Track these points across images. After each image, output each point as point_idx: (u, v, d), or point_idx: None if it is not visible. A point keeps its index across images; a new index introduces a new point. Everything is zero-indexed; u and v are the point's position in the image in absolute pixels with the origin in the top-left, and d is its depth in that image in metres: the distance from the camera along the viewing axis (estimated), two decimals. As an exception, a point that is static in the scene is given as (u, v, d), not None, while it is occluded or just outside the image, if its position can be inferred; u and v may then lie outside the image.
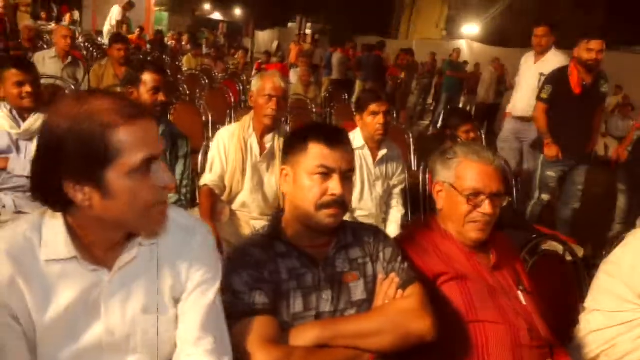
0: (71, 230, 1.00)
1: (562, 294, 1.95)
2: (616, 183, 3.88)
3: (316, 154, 1.30)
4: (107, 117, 0.91)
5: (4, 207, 2.26)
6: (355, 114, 2.76)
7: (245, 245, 1.34)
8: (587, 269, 2.04)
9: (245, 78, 7.97)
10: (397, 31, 20.59)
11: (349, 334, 1.23)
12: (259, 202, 2.55)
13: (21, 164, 2.31)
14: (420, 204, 3.43)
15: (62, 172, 0.91)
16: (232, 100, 5.54)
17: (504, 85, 9.60)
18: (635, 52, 12.76)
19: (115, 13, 10.05)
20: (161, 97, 2.46)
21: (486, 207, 1.46)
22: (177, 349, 1.09)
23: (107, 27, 10.04)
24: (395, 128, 4.28)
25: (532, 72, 4.51)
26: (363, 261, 1.37)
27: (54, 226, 0.99)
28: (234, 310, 1.20)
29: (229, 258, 1.31)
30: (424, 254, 1.49)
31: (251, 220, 2.57)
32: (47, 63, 4.49)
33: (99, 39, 10.84)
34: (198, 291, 1.10)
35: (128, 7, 10.21)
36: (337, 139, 1.32)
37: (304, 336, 1.22)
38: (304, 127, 1.41)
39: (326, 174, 1.29)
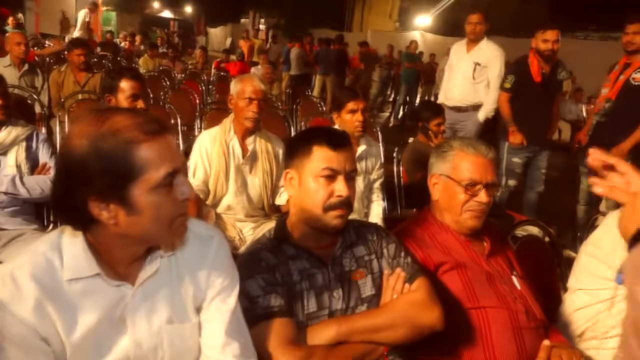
0: (92, 247, 1.00)
1: (542, 275, 2.06)
2: (577, 166, 4.07)
3: (321, 157, 1.33)
4: (130, 134, 0.92)
5: (-15, 225, 2.18)
6: (332, 112, 2.80)
7: (256, 249, 1.37)
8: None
9: (206, 78, 7.87)
10: (350, 23, 20.76)
11: (364, 329, 1.28)
12: (243, 203, 2.57)
13: (-3, 179, 2.23)
14: (395, 195, 3.55)
15: (86, 191, 0.91)
16: (197, 100, 5.48)
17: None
18: (578, 38, 13.39)
19: (82, 16, 9.73)
20: (140, 104, 2.43)
21: (482, 196, 1.54)
22: (203, 355, 1.11)
23: (77, 33, 9.70)
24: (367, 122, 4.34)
25: (466, 61, 4.43)
26: (369, 258, 1.42)
27: (74, 245, 1.00)
28: (252, 315, 1.22)
29: (240, 264, 1.33)
30: (423, 246, 1.55)
31: (237, 222, 2.58)
32: (3, 72, 4.31)
33: (47, 42, 10.43)
34: (219, 298, 1.13)
35: (94, 8, 9.90)
36: (340, 141, 1.36)
37: (322, 335, 1.26)
38: (306, 131, 1.44)
39: (331, 176, 1.33)
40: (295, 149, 1.39)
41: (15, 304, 0.92)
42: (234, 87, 2.51)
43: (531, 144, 3.95)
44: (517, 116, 3.95)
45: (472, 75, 4.38)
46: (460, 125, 4.56)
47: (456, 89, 4.52)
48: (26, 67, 4.47)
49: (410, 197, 3.55)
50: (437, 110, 3.92)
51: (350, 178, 1.36)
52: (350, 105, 2.66)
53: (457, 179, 1.57)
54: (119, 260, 1.02)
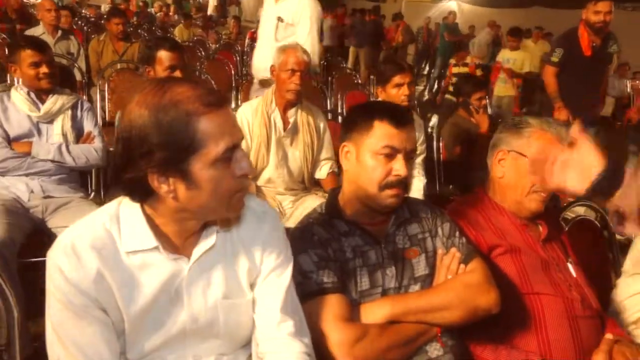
0: (149, 219, 0.99)
1: (592, 259, 1.99)
2: (627, 145, 3.91)
3: (382, 133, 1.28)
4: (191, 105, 0.89)
5: (32, 192, 2.23)
6: (377, 86, 2.72)
7: (308, 224, 1.34)
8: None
9: (240, 48, 7.82)
10: (385, -6, 20.21)
11: (419, 309, 1.25)
12: (284, 177, 2.55)
13: (44, 147, 2.26)
14: (434, 171, 3.47)
15: (146, 164, 0.89)
16: (232, 71, 5.46)
17: (499, 47, 9.53)
18: (626, 9, 12.72)
19: None
20: (178, 74, 2.39)
21: None
22: (257, 332, 1.10)
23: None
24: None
25: (269, 16, 3.51)
26: (422, 236, 1.38)
27: (132, 216, 0.99)
28: (305, 290, 1.21)
29: (293, 238, 1.31)
30: (477, 227, 1.50)
31: (277, 195, 2.57)
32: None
33: (84, 11, 10.52)
34: (273, 274, 1.11)
35: None
36: (403, 119, 1.31)
37: (376, 313, 1.23)
38: (368, 104, 1.39)
39: (391, 154, 1.28)
40: (355, 122, 1.34)
41: (77, 273, 0.92)
42: (277, 57, 2.46)
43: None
44: (564, 91, 3.79)
45: (274, 36, 3.43)
46: None
47: (262, 58, 3.44)
48: (60, 33, 4.48)
49: (448, 174, 3.48)
50: (479, 84, 3.79)
51: (409, 158, 1.31)
52: (397, 79, 2.58)
53: (532, 158, 1.47)
54: (175, 234, 1.01)
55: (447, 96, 6.44)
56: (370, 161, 1.29)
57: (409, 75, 2.60)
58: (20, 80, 2.37)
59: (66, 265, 0.92)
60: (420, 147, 2.86)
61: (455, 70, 6.10)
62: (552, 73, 3.86)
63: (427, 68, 11.66)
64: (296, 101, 2.49)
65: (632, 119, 3.75)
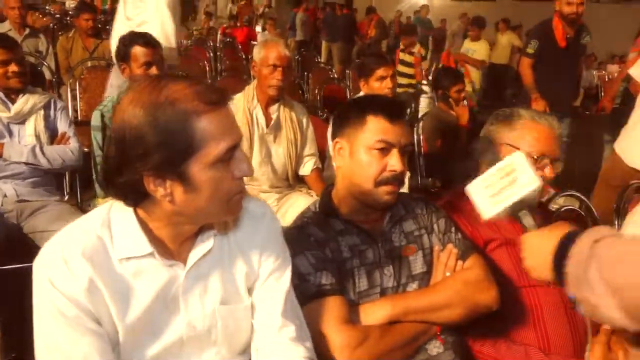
0: (143, 224, 0.94)
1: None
2: (601, 134, 3.99)
3: (377, 128, 1.25)
4: (190, 104, 0.84)
5: (5, 196, 2.12)
6: (359, 78, 2.70)
7: (302, 224, 1.31)
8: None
9: (211, 44, 7.69)
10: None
11: (420, 308, 1.23)
12: (268, 174, 2.50)
13: (17, 149, 2.16)
14: (415, 164, 3.47)
15: (142, 166, 0.84)
16: (207, 68, 5.35)
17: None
18: (590, 1, 13.01)
19: None
20: (154, 71, 2.30)
21: (549, 170, 1.45)
22: (257, 337, 1.06)
23: None
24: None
25: None
26: (419, 233, 1.35)
27: (125, 221, 0.93)
28: (303, 293, 1.17)
29: (289, 240, 1.27)
30: (472, 221, 1.48)
31: (261, 193, 2.52)
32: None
33: (47, 7, 10.19)
34: (272, 278, 1.07)
35: None
36: (397, 112, 1.28)
37: (376, 314, 1.20)
38: (360, 98, 1.36)
39: (385, 149, 1.25)
40: (347, 117, 1.30)
41: (68, 284, 0.86)
42: (257, 53, 2.40)
43: (554, 111, 3.84)
44: (540, 82, 3.84)
45: (124, 13, 3.16)
46: None
47: (113, 34, 3.29)
48: (27, 31, 4.32)
49: (430, 167, 3.48)
50: (457, 76, 3.81)
51: (404, 152, 1.28)
52: (380, 71, 2.56)
53: (526, 150, 1.44)
54: (170, 238, 0.96)
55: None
56: (365, 157, 1.26)
57: (392, 68, 2.59)
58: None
59: (56, 276, 0.86)
60: (404, 141, 2.84)
61: (401, 56, 6.02)
62: (528, 64, 3.90)
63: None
64: (278, 97, 2.44)
65: (606, 108, 3.82)
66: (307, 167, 2.59)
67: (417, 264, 1.32)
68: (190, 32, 8.65)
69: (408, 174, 2.89)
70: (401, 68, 5.65)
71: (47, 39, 4.48)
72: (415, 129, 3.57)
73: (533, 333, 1.38)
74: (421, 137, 3.54)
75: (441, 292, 1.25)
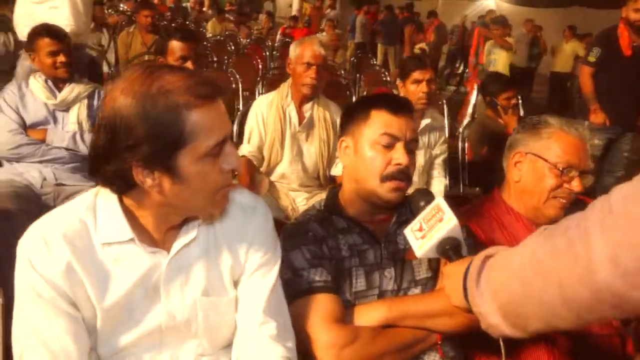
0: (127, 211, 0.94)
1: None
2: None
3: (380, 122, 1.22)
4: (181, 97, 0.84)
5: (44, 179, 2.24)
6: (399, 80, 2.63)
7: (304, 220, 1.28)
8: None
9: (270, 43, 7.82)
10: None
11: (418, 314, 1.16)
12: (298, 172, 2.49)
13: (59, 135, 2.28)
14: (458, 173, 3.36)
15: (130, 156, 0.84)
16: (260, 66, 5.44)
17: (537, 47, 9.22)
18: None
19: None
20: (189, 65, 2.33)
21: (577, 183, 1.35)
22: (238, 332, 1.05)
23: None
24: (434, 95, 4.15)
25: None
26: (426, 238, 1.29)
27: (109, 208, 0.94)
28: (295, 288, 1.14)
29: (287, 234, 1.25)
30: (488, 230, 1.41)
31: (290, 191, 2.52)
32: (70, 31, 4.41)
33: (122, 5, 10.71)
34: (258, 273, 1.05)
35: None
36: (401, 106, 1.24)
37: (370, 316, 1.15)
38: (365, 96, 1.32)
39: (390, 143, 1.21)
40: (352, 115, 1.28)
41: (45, 264, 0.88)
42: (293, 51, 2.41)
43: (615, 125, 3.60)
44: (601, 93, 3.61)
45: None
46: None
47: (16, 12, 3.12)
48: (92, 25, 4.53)
49: (474, 175, 3.36)
50: (507, 83, 3.63)
51: (410, 148, 1.24)
52: (416, 74, 2.49)
53: (552, 161, 1.37)
54: (155, 227, 0.96)
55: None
56: (369, 152, 1.22)
57: (429, 72, 2.51)
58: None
59: (35, 256, 0.88)
60: (441, 147, 2.76)
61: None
62: (588, 73, 3.67)
63: (461, 67, 11.42)
64: (312, 95, 2.43)
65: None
66: (339, 168, 2.56)
67: (422, 269, 1.27)
68: (250, 32, 8.82)
69: (445, 182, 2.81)
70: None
71: (110, 34, 4.70)
72: (460, 136, 3.47)
73: (545, 354, 1.29)
74: (466, 144, 3.43)
75: (441, 299, 1.18)
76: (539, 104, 8.54)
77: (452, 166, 3.27)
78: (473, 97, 5.53)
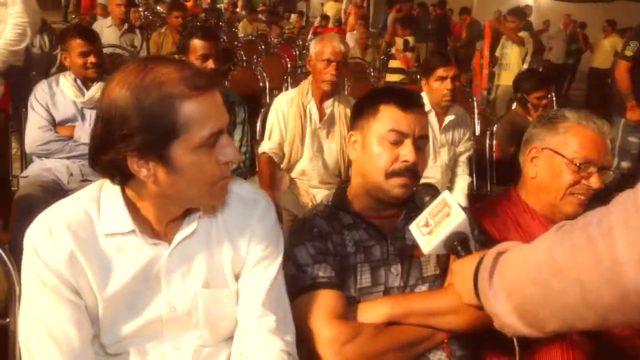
0: (129, 203, 0.96)
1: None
2: None
3: (388, 117, 1.20)
4: (175, 88, 0.85)
5: (71, 175, 2.31)
6: (421, 77, 2.60)
7: (310, 216, 1.28)
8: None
9: (301, 43, 7.85)
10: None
11: (423, 311, 1.14)
12: (318, 169, 2.49)
13: (86, 132, 2.34)
14: (485, 171, 3.29)
15: (125, 146, 0.86)
16: (289, 65, 5.47)
17: (576, 44, 8.93)
18: None
19: None
20: (210, 64, 2.35)
21: (595, 180, 1.31)
22: (239, 325, 1.05)
23: None
24: (458, 91, 4.08)
25: None
26: (435, 235, 1.27)
27: (112, 199, 0.96)
28: (298, 284, 1.14)
29: (292, 229, 1.25)
30: (502, 228, 1.37)
31: (310, 188, 2.52)
32: (105, 32, 4.54)
33: (158, 7, 10.96)
34: (259, 267, 1.05)
35: None
36: (411, 101, 1.21)
37: (373, 312, 1.14)
38: (375, 90, 1.31)
39: (398, 139, 1.19)
40: (361, 109, 1.26)
41: (49, 253, 0.90)
42: (313, 47, 2.41)
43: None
44: (639, 89, 3.47)
45: None
46: None
47: None
48: (125, 27, 4.65)
49: (501, 174, 3.28)
50: (541, 81, 3.52)
51: (419, 145, 1.21)
52: (440, 71, 2.44)
53: (569, 157, 1.33)
54: (156, 219, 0.98)
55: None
56: (376, 148, 1.21)
57: (454, 69, 2.46)
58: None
59: (40, 245, 0.91)
60: (466, 144, 2.70)
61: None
62: (625, 68, 3.54)
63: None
64: (332, 92, 2.42)
65: None
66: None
67: (430, 266, 1.24)
68: (282, 32, 8.87)
69: (469, 180, 2.75)
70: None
71: (143, 35, 4.82)
72: (488, 134, 3.39)
73: (559, 356, 1.25)
74: (494, 142, 3.36)
75: (448, 296, 1.15)
76: (575, 102, 8.28)
77: (481, 164, 3.21)
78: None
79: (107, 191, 0.97)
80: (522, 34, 5.76)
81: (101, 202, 0.96)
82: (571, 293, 0.70)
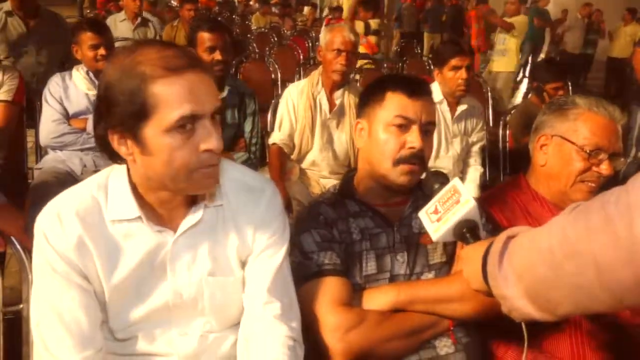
0: (135, 190, 0.98)
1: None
2: None
3: (394, 104, 1.20)
4: (149, 68, 0.86)
5: (85, 166, 2.35)
6: (434, 67, 2.58)
7: (316, 203, 1.28)
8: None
9: (314, 34, 7.83)
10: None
11: (428, 299, 1.14)
12: (328, 160, 2.49)
13: (99, 124, 2.37)
14: (498, 161, 3.25)
15: (107, 122, 0.89)
16: (301, 57, 5.46)
17: (595, 33, 8.73)
18: None
19: None
20: (217, 56, 2.33)
21: (606, 166, 1.29)
22: (245, 312, 1.06)
23: None
24: (472, 80, 4.03)
25: None
26: (441, 223, 1.26)
27: (119, 186, 0.98)
28: (304, 271, 1.15)
29: (299, 217, 1.25)
30: (510, 216, 1.36)
31: (321, 178, 2.53)
32: (119, 26, 4.58)
33: (172, 1, 11.01)
34: (265, 254, 1.06)
35: None
36: (417, 88, 1.21)
37: (379, 299, 1.14)
38: (381, 77, 1.30)
39: (405, 125, 1.19)
40: (368, 96, 1.26)
41: (59, 239, 0.92)
42: (323, 37, 2.41)
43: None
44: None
45: None
46: None
47: None
48: (139, 20, 4.69)
49: (515, 163, 3.24)
50: (558, 73, 3.46)
51: (426, 131, 1.21)
52: (454, 61, 2.42)
53: (579, 143, 1.31)
54: (157, 204, 0.99)
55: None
56: (383, 134, 1.20)
57: (468, 59, 2.43)
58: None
59: (50, 231, 0.93)
60: (478, 134, 2.68)
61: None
62: None
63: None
64: (342, 82, 2.42)
65: None
66: None
67: (436, 254, 1.24)
68: (295, 24, 8.86)
69: (481, 170, 2.72)
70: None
71: (155, 28, 4.84)
72: (502, 123, 3.35)
73: (568, 345, 1.24)
74: (507, 132, 3.32)
75: (453, 284, 1.15)
76: (592, 91, 8.13)
77: (494, 154, 3.18)
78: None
79: (115, 178, 0.99)
80: (521, 18, 5.59)
81: (109, 188, 0.98)
82: (586, 274, 0.68)
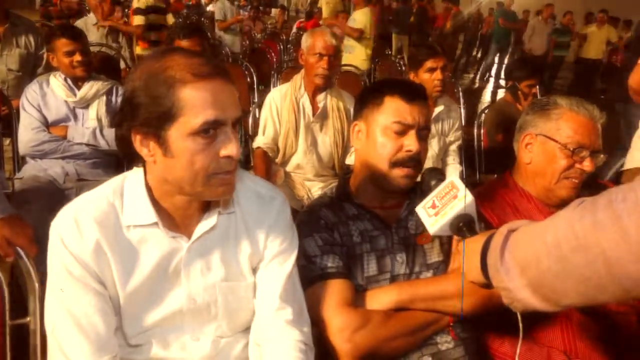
0: (151, 196, 0.99)
1: None
2: None
3: (393, 109, 1.24)
4: (177, 73, 0.88)
5: (67, 174, 2.30)
6: (409, 70, 2.63)
7: (316, 207, 1.31)
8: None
9: (284, 37, 7.84)
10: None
11: (429, 296, 1.18)
12: (313, 162, 2.51)
13: (79, 131, 2.34)
14: (474, 160, 3.34)
15: (131, 123, 0.91)
16: (275, 60, 5.47)
17: (567, 36, 8.89)
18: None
19: None
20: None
21: (588, 163, 1.36)
22: (256, 317, 1.08)
23: None
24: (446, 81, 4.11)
25: None
26: (437, 222, 1.30)
27: (136, 191, 0.99)
28: (308, 275, 1.17)
29: (299, 222, 1.27)
30: (501, 214, 1.41)
31: (305, 181, 2.55)
32: (90, 30, 4.49)
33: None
34: (276, 261, 1.08)
35: None
36: (415, 93, 1.25)
37: (381, 299, 1.18)
38: (380, 81, 1.34)
39: (402, 130, 1.23)
40: (366, 99, 1.30)
41: (76, 244, 0.93)
42: (305, 41, 2.43)
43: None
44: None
45: None
46: None
47: None
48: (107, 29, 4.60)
49: (490, 162, 3.33)
50: (532, 70, 3.57)
51: (422, 135, 1.25)
52: (429, 63, 2.48)
53: (562, 142, 1.38)
54: (173, 210, 1.00)
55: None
56: (381, 138, 1.24)
57: (442, 60, 2.50)
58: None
59: (67, 235, 0.93)
60: (455, 134, 2.76)
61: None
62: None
63: (479, 55, 11.27)
64: (325, 86, 2.45)
65: None
66: (354, 157, 2.57)
67: (433, 253, 1.28)
68: (265, 27, 8.85)
69: (460, 169, 2.80)
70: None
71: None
72: (476, 122, 3.44)
73: (559, 334, 1.30)
74: (482, 131, 3.41)
75: (452, 281, 1.19)
76: (559, 91, 8.38)
77: (469, 153, 3.25)
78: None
79: (130, 183, 1.00)
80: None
81: (125, 193, 0.99)
82: (594, 266, 0.70)
